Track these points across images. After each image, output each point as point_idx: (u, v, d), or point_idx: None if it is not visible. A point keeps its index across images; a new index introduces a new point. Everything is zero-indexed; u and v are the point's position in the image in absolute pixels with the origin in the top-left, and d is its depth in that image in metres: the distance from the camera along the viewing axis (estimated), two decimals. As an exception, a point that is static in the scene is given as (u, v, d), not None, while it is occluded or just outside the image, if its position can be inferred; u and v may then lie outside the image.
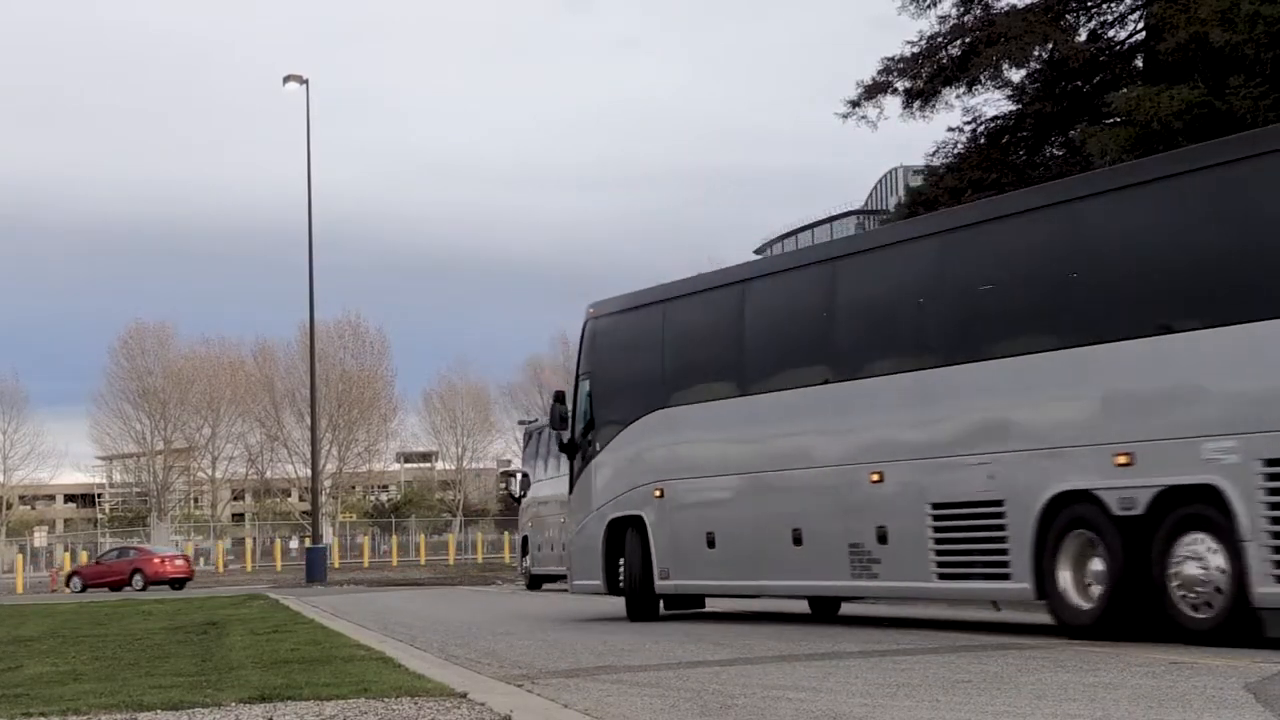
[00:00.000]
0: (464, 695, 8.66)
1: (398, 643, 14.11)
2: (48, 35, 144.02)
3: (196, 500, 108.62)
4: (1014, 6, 28.85)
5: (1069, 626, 12.81)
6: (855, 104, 29.43)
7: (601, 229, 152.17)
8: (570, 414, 19.02)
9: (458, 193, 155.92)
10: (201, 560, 71.37)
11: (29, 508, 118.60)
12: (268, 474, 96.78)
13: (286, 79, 47.39)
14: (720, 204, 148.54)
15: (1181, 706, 7.99)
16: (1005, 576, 13.31)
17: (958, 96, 29.58)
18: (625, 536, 18.03)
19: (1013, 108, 29.97)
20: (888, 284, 15.18)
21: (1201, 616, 11.77)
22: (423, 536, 75.23)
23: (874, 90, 29.32)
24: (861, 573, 14.87)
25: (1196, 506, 11.78)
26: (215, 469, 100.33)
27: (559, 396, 19.35)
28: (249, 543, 71.99)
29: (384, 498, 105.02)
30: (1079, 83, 29.22)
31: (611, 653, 12.52)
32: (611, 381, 18.70)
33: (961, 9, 29.50)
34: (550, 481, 34.20)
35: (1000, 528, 13.35)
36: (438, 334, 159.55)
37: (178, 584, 47.65)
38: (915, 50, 29.09)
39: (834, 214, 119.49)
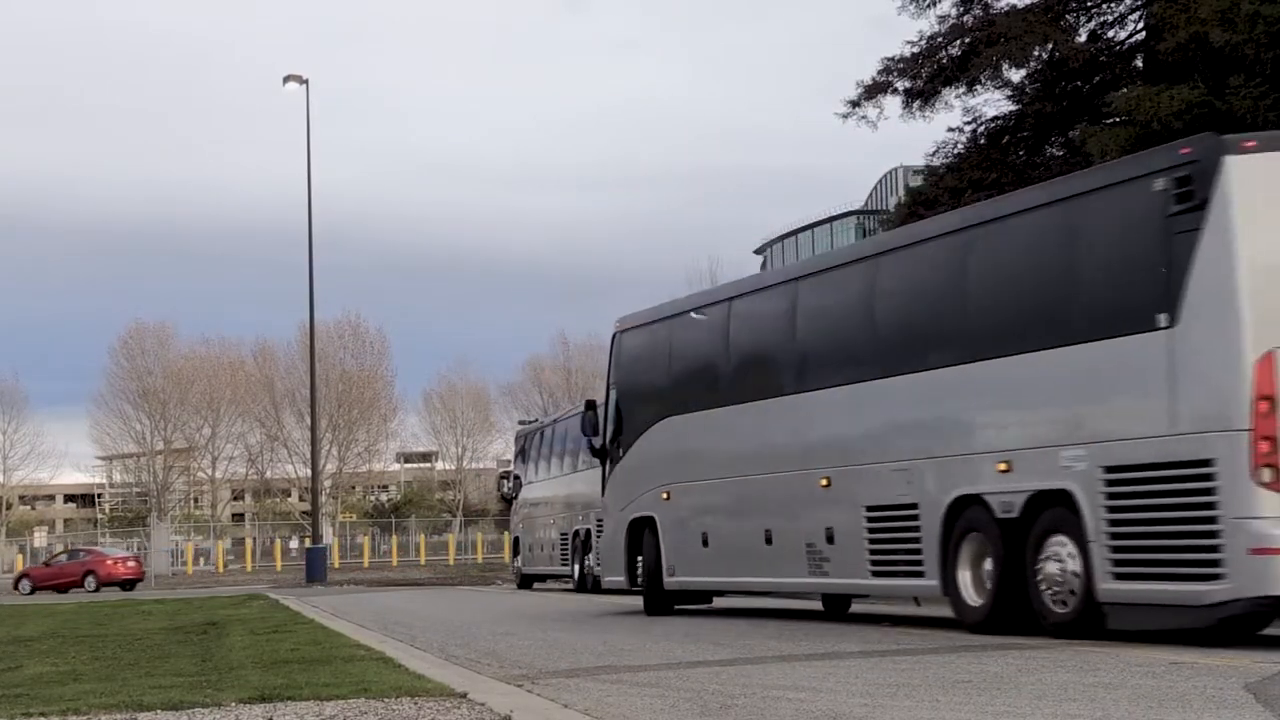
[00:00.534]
0: (464, 695, 8.66)
1: (398, 643, 14.11)
2: (48, 35, 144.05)
3: (196, 500, 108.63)
4: (1014, 6, 28.84)
5: (965, 622, 13.86)
6: (855, 104, 29.42)
7: (601, 229, 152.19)
8: (601, 421, 20.38)
9: (458, 193, 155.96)
10: (201, 560, 71.38)
11: (29, 508, 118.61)
12: (268, 474, 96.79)
13: (286, 79, 47.41)
14: (720, 204, 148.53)
15: (1181, 706, 7.99)
16: (920, 574, 14.40)
17: (957, 97, 29.58)
18: (643, 536, 19.34)
19: (1013, 108, 29.96)
20: (830, 303, 16.41)
21: (1061, 611, 12.74)
22: (423, 536, 75.24)
23: (874, 90, 29.31)
24: (815, 570, 16.07)
25: (1058, 510, 12.74)
26: (215, 469, 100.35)
27: (590, 404, 20.92)
28: (249, 543, 72.01)
29: (384, 498, 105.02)
30: (1079, 83, 29.21)
31: (611, 653, 12.53)
32: (632, 391, 20.02)
33: (961, 9, 29.49)
34: (540, 484, 34.87)
35: (915, 529, 14.46)
36: (438, 334, 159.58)
37: (128, 585, 48.60)
38: (915, 50, 29.09)
39: (834, 214, 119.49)
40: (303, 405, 71.92)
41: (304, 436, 71.29)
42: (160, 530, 69.44)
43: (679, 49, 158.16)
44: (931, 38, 29.05)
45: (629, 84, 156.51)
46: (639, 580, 19.53)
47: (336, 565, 61.33)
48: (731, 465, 17.71)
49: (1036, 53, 28.18)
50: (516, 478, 37.00)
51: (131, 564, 50.89)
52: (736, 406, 17.60)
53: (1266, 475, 11.19)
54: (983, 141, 29.94)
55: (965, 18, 29.23)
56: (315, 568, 43.94)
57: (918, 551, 14.41)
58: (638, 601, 19.91)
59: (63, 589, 47.84)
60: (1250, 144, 11.89)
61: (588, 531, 30.38)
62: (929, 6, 29.51)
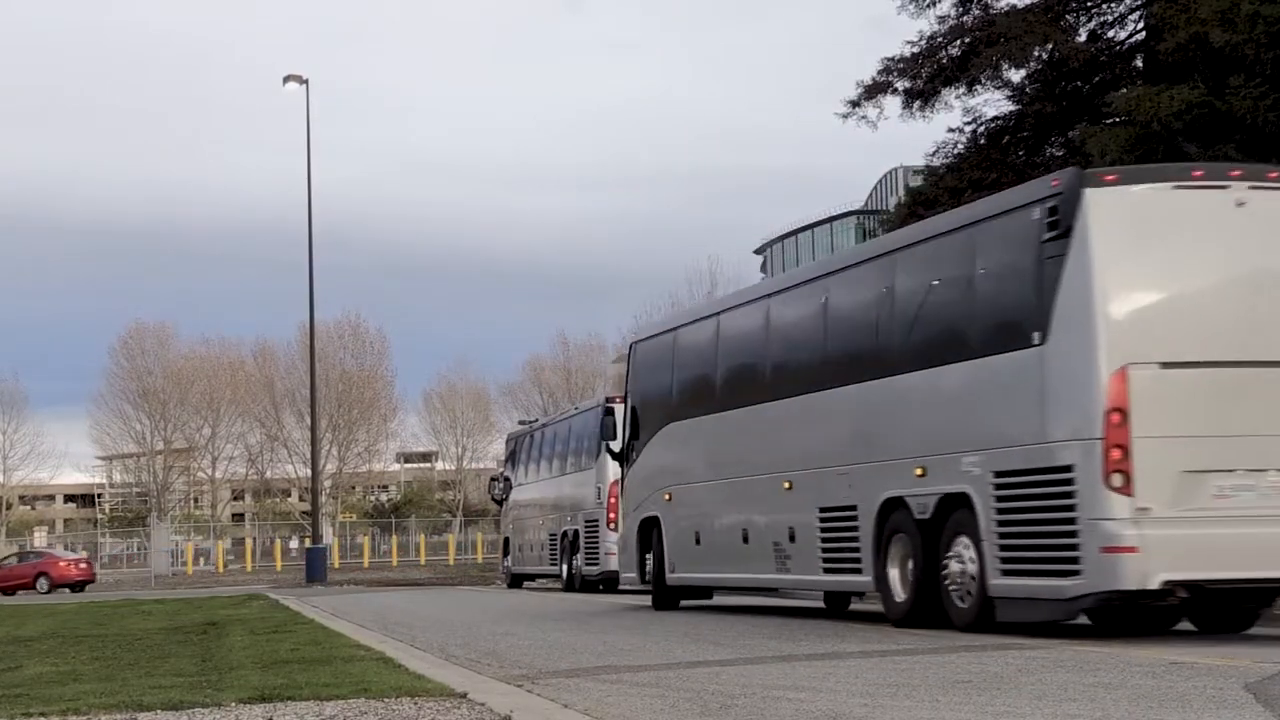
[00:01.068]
0: (464, 695, 8.66)
1: (398, 643, 14.11)
2: (48, 35, 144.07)
3: (196, 500, 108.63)
4: (1014, 6, 28.83)
5: (890, 617, 15.04)
6: (855, 104, 29.42)
7: (601, 229, 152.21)
8: (620, 427, 21.83)
9: (458, 193, 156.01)
10: (201, 560, 71.40)
11: (29, 508, 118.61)
12: (268, 474, 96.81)
13: (286, 79, 47.41)
14: (720, 204, 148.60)
15: (1181, 706, 7.99)
16: (860, 571, 15.53)
17: (957, 97, 29.58)
18: (651, 535, 20.58)
19: (1013, 108, 29.95)
20: (791, 318, 17.61)
21: (963, 607, 13.86)
22: (423, 536, 75.28)
23: (874, 90, 29.31)
24: (781, 567, 17.25)
25: (962, 512, 13.79)
26: (215, 469, 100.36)
27: (609, 411, 22.78)
28: (249, 543, 72.03)
29: (384, 498, 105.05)
30: (1079, 83, 29.20)
31: (612, 653, 12.53)
32: (644, 399, 21.31)
33: (961, 9, 29.49)
34: (529, 486, 35.59)
35: (855, 529, 15.56)
36: (438, 334, 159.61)
37: (79, 587, 49.27)
38: (915, 50, 29.08)
39: (834, 214, 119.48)
40: (303, 405, 71.93)
41: (304, 436, 71.31)
42: (160, 530, 69.45)
43: (679, 49, 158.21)
44: (931, 38, 29.05)
45: (629, 84, 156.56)
46: (648, 577, 20.73)
47: (336, 565, 61.33)
48: (719, 469, 18.89)
49: (1036, 53, 28.17)
50: (506, 480, 37.74)
51: (83, 566, 51.85)
52: (723, 414, 18.76)
53: (1117, 481, 12.14)
54: (983, 141, 29.93)
55: (965, 18, 29.23)
56: (315, 568, 43.94)
57: (857, 550, 15.51)
58: (637, 600, 21.05)
59: (10, 591, 48.36)
60: (1110, 177, 12.99)
61: (575, 532, 30.82)
62: (929, 6, 29.51)
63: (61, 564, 51.04)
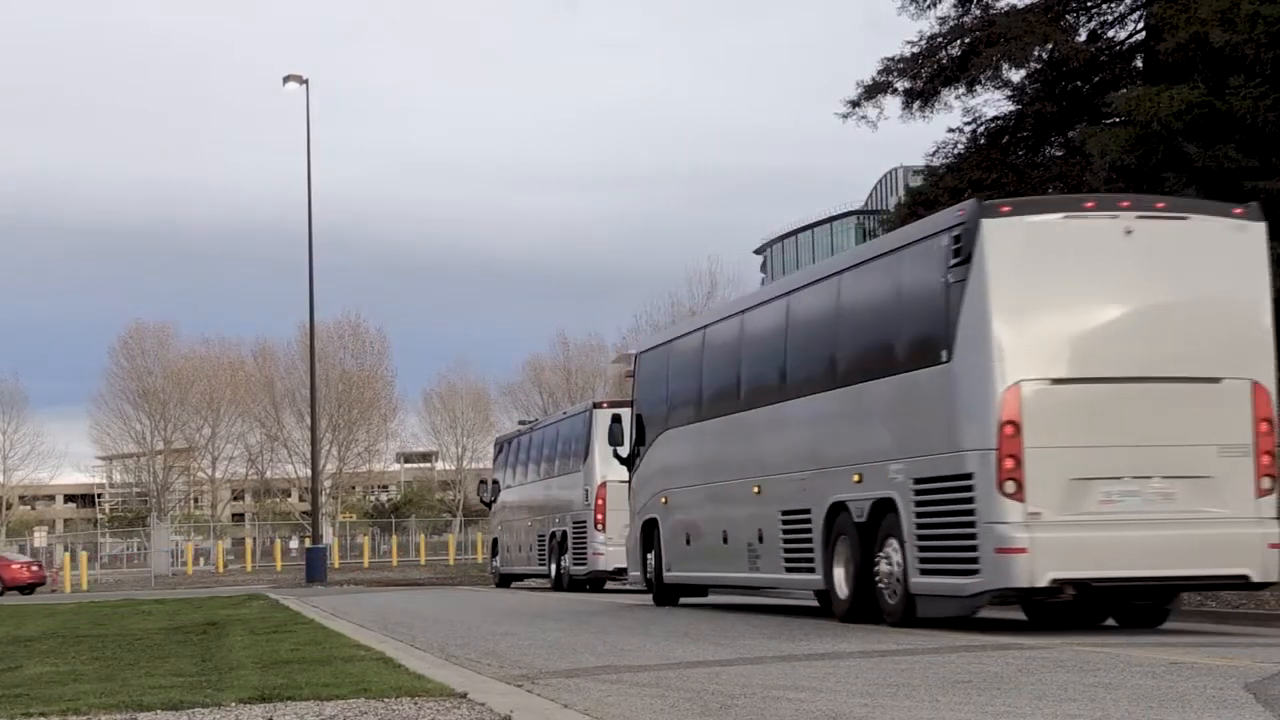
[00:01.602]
0: (464, 695, 8.65)
1: (398, 643, 14.11)
2: (48, 35, 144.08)
3: (196, 500, 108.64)
4: (1014, 6, 28.82)
5: (835, 614, 16.13)
6: (855, 104, 29.42)
7: (601, 229, 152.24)
8: (628, 434, 22.74)
9: (458, 193, 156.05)
10: (201, 560, 71.36)
11: (29, 508, 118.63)
12: (268, 474, 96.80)
13: (286, 79, 47.36)
14: (720, 204, 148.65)
15: (1181, 706, 7.99)
16: (813, 570, 16.60)
17: (957, 97, 29.57)
18: (652, 536, 21.65)
19: (1012, 108, 29.94)
20: (760, 333, 18.62)
21: (892, 603, 14.91)
22: (423, 536, 75.21)
23: (874, 90, 29.31)
24: (752, 566, 18.35)
25: (890, 516, 14.83)
26: (215, 469, 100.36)
27: (616, 419, 23.34)
28: (249, 543, 71.98)
29: (384, 498, 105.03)
30: (1079, 83, 29.19)
31: (611, 653, 12.52)
32: (646, 408, 22.27)
33: (961, 9, 29.48)
34: (518, 488, 36.33)
35: (809, 531, 16.63)
36: (438, 334, 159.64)
37: (28, 589, 49.68)
38: (915, 50, 29.08)
39: (834, 214, 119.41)
40: (303, 405, 71.93)
41: (304, 436, 71.30)
42: (160, 530, 69.41)
43: (679, 49, 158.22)
44: (931, 38, 29.04)
45: (629, 84, 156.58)
46: (649, 575, 21.92)
47: (336, 565, 61.32)
48: (705, 474, 20.00)
49: (1036, 53, 28.17)
50: (495, 482, 38.39)
51: (35, 568, 52.48)
52: (707, 422, 19.89)
53: (1010, 487, 13.24)
54: (983, 142, 29.92)
55: (965, 18, 29.22)
56: (315, 568, 43.90)
57: (811, 550, 16.63)
58: (630, 599, 22.18)
59: None
60: (1006, 208, 13.97)
61: (564, 533, 31.29)
62: (929, 7, 29.51)
63: (14, 566, 51.43)
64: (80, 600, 34.99)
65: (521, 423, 43.14)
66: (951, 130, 30.18)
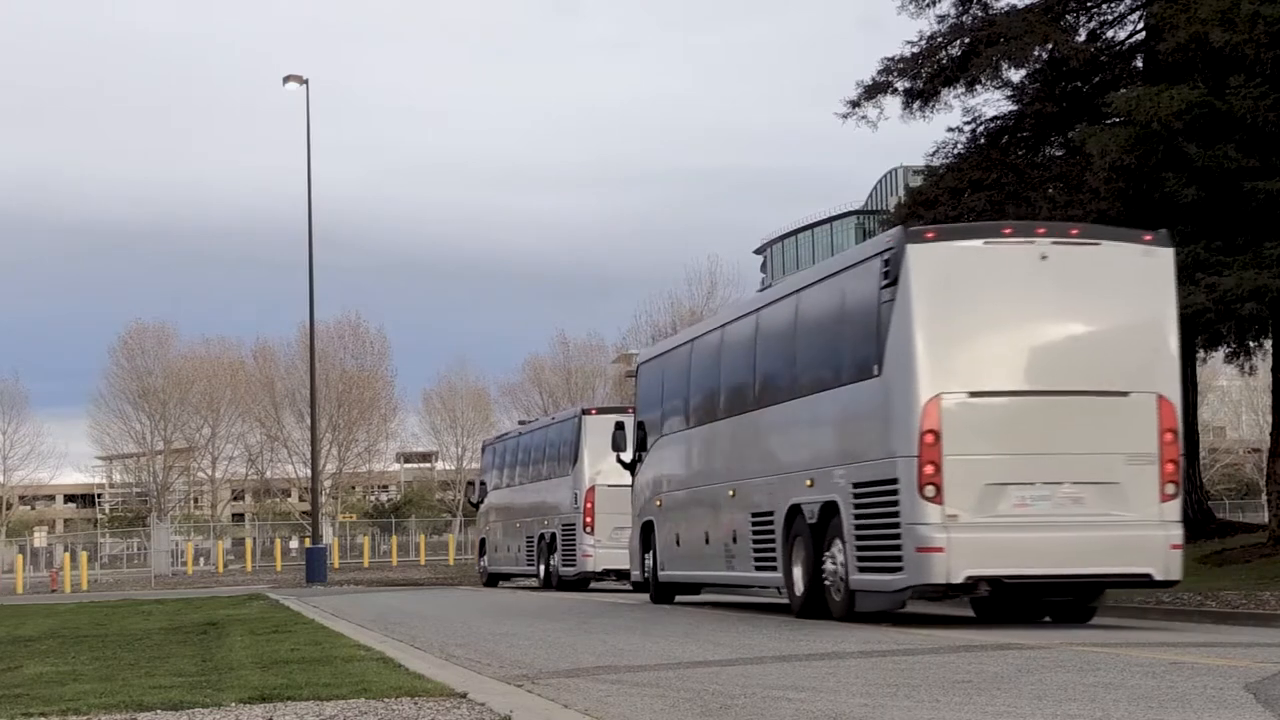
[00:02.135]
0: (464, 695, 8.65)
1: (398, 643, 14.10)
2: (48, 35, 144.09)
3: (196, 500, 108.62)
4: (1014, 6, 28.83)
5: (793, 609, 17.18)
6: (855, 104, 29.43)
7: (601, 229, 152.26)
8: (630, 441, 23.72)
9: (458, 193, 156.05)
10: (201, 560, 71.36)
11: (29, 508, 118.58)
12: (268, 474, 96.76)
13: (286, 79, 47.30)
14: (720, 204, 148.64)
15: (1181, 706, 7.99)
16: (775, 569, 17.70)
17: (956, 97, 29.59)
18: (650, 537, 22.63)
19: (1012, 108, 29.95)
20: (733, 345, 19.67)
21: (837, 599, 16.01)
22: (423, 536, 75.16)
23: (874, 90, 29.32)
24: (728, 566, 19.41)
25: (836, 518, 15.91)
26: (215, 469, 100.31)
27: (619, 425, 24.53)
28: (249, 543, 71.91)
29: (384, 498, 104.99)
30: (1079, 83, 29.20)
31: (611, 653, 12.52)
32: (645, 415, 23.25)
33: (960, 9, 29.49)
34: (507, 490, 37.07)
35: (772, 532, 17.73)
36: (438, 334, 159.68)
37: None
38: (915, 50, 29.09)
39: (834, 214, 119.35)
40: (303, 405, 71.89)
41: (304, 436, 71.27)
42: (160, 530, 69.41)
43: (679, 49, 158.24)
44: (931, 38, 29.04)
45: (629, 84, 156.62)
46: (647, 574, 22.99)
47: (336, 565, 61.29)
48: (691, 479, 21.07)
49: (1036, 53, 28.17)
50: (483, 484, 39.15)
51: None
52: (694, 429, 21.00)
53: (930, 492, 14.31)
54: (983, 141, 29.93)
55: (965, 18, 29.24)
56: (315, 568, 43.84)
57: (774, 549, 17.71)
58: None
59: None
60: (930, 235, 15.02)
61: (553, 535, 31.95)
62: (928, 6, 29.52)
63: None
64: (80, 600, 34.98)
65: (521, 422, 43.27)
66: (951, 130, 30.21)
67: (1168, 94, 22.61)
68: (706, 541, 20.06)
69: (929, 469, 14.32)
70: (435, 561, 66.09)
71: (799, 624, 16.05)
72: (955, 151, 29.90)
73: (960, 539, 14.27)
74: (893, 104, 29.55)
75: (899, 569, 14.63)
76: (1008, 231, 15.23)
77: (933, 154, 30.44)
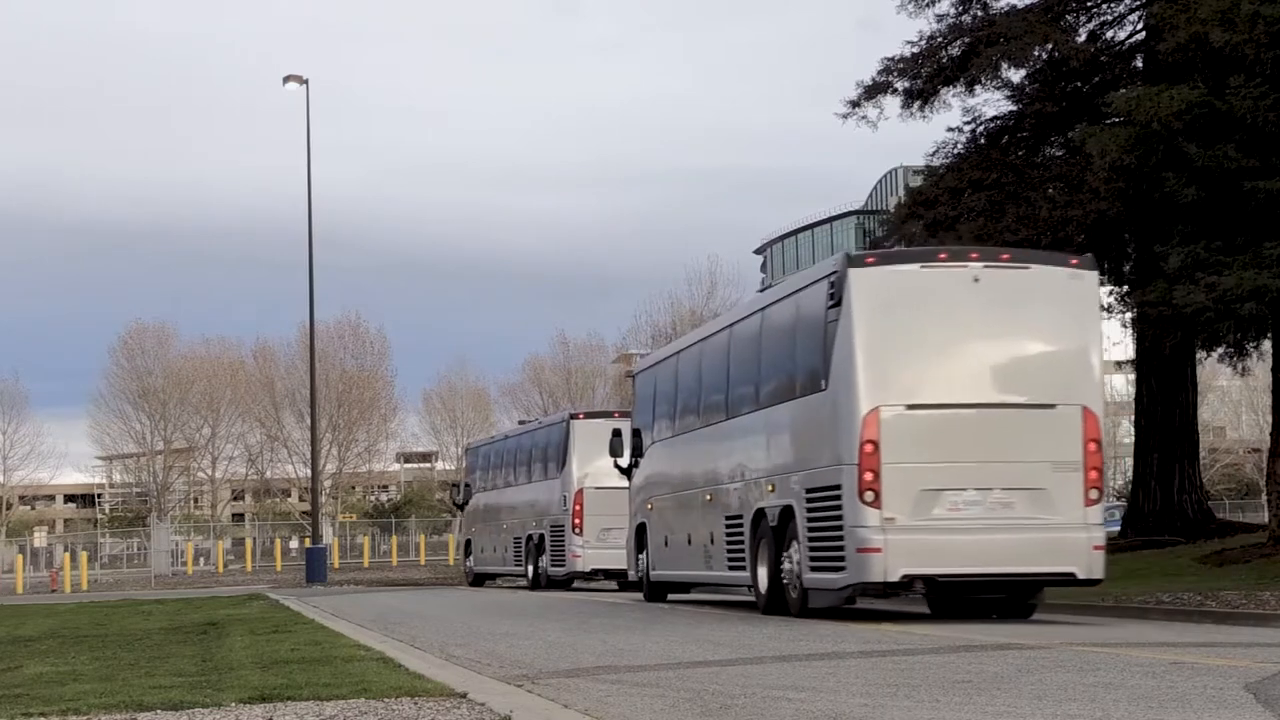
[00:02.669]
0: (464, 695, 8.65)
1: (398, 643, 14.10)
2: (48, 35, 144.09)
3: (196, 500, 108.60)
4: (1014, 6, 28.83)
5: (759, 607, 18.20)
6: (855, 104, 29.44)
7: (601, 229, 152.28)
8: (626, 447, 24.56)
9: (458, 193, 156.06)
10: (201, 560, 71.35)
11: (29, 508, 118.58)
12: (268, 474, 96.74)
13: (286, 79, 47.29)
14: (720, 204, 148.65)
15: (1181, 706, 7.99)
16: (744, 568, 18.76)
17: (956, 97, 29.60)
18: (643, 538, 23.60)
19: (1012, 108, 29.95)
20: (711, 358, 20.79)
21: (794, 597, 17.07)
22: (423, 536, 75.15)
23: (874, 90, 29.32)
24: (707, 565, 20.45)
25: (793, 522, 16.99)
26: (215, 469, 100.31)
27: (616, 432, 25.09)
28: (249, 543, 71.90)
29: (384, 498, 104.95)
30: (1079, 83, 29.20)
31: (611, 653, 12.52)
32: (640, 422, 24.21)
33: (960, 9, 29.49)
34: (492, 493, 37.87)
35: (742, 533, 18.79)
36: (438, 334, 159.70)
37: None
38: (915, 50, 29.09)
39: (834, 214, 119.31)
40: (303, 405, 71.89)
41: (304, 436, 71.27)
42: (160, 530, 69.39)
43: (679, 49, 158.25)
44: (931, 38, 29.05)
45: (629, 84, 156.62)
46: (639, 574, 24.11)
47: (336, 565, 61.29)
48: (677, 483, 22.01)
49: (1036, 53, 28.17)
50: (467, 486, 40.03)
51: None
52: (679, 437, 21.98)
53: (869, 497, 15.43)
54: (982, 141, 29.93)
55: (964, 18, 29.24)
56: (315, 568, 43.84)
57: (742, 550, 18.78)
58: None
59: None
60: (870, 259, 16.29)
61: (541, 536, 32.63)
62: (928, 6, 29.53)
63: None
64: (80, 600, 34.98)
65: (521, 422, 43.43)
66: (951, 130, 30.22)
67: (1168, 94, 22.60)
68: (689, 543, 21.09)
69: (868, 476, 15.43)
70: (435, 561, 66.07)
71: (799, 623, 16.05)
72: (955, 151, 29.90)
73: (897, 540, 15.37)
74: (892, 104, 29.59)
75: (843, 568, 15.74)
76: (943, 256, 16.36)
77: (933, 154, 30.45)
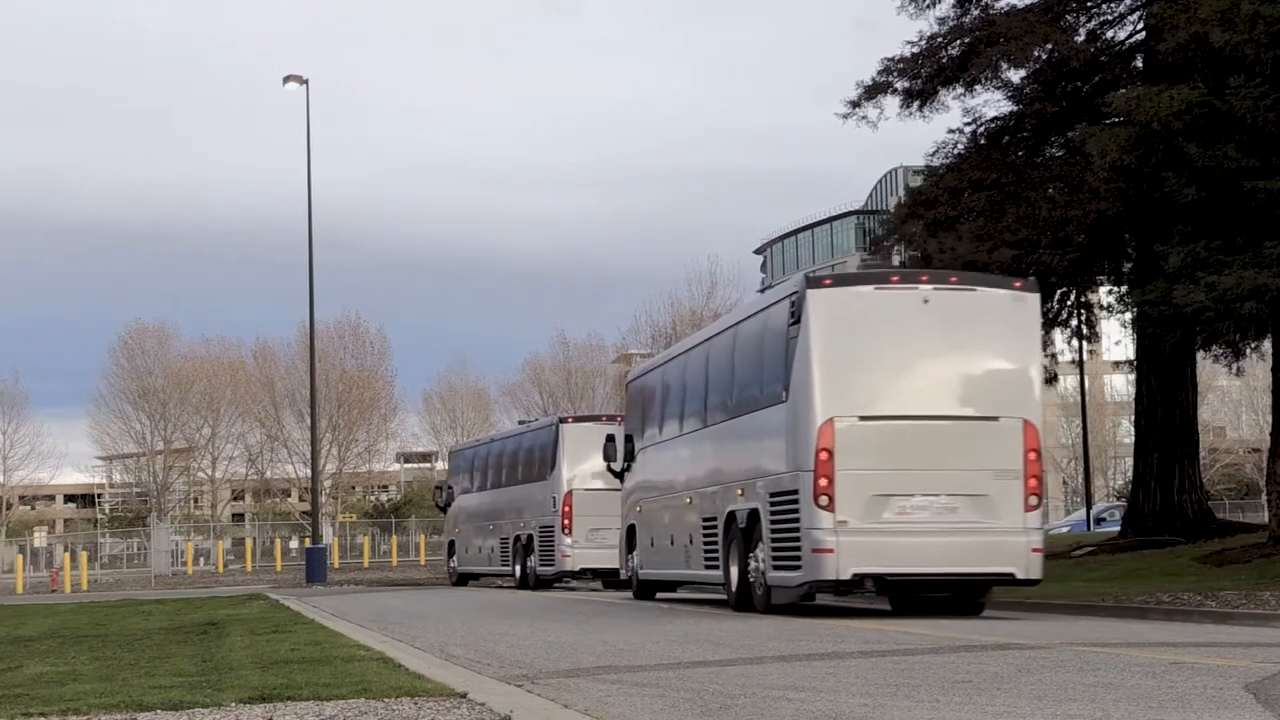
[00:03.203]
0: (464, 695, 8.65)
1: (398, 643, 14.10)
2: (48, 35, 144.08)
3: (196, 500, 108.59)
4: (1014, 6, 28.83)
5: (730, 603, 19.27)
6: (855, 104, 29.43)
7: (601, 229, 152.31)
8: (620, 451, 25.46)
9: (458, 193, 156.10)
10: (201, 560, 71.34)
11: (29, 508, 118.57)
12: (268, 474, 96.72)
13: (286, 79, 47.27)
14: (720, 204, 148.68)
15: (1181, 706, 7.99)
16: (718, 567, 19.82)
17: (955, 98, 29.59)
18: (633, 539, 24.71)
19: (1012, 108, 29.94)
20: (692, 369, 21.86)
21: (760, 594, 18.22)
22: (423, 536, 75.11)
23: (874, 90, 29.31)
24: (687, 565, 21.53)
25: (759, 524, 18.12)
26: (215, 469, 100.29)
27: (610, 438, 26.00)
28: (249, 543, 71.88)
29: (384, 498, 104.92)
30: (1079, 83, 29.19)
31: (611, 653, 12.52)
32: (631, 428, 25.24)
33: (960, 9, 29.49)
34: (478, 495, 38.59)
35: (716, 535, 19.91)
36: (438, 334, 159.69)
37: None
38: (915, 50, 29.08)
39: (834, 214, 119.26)
40: (303, 405, 71.88)
41: (304, 436, 71.26)
42: (160, 530, 69.38)
43: (679, 49, 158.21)
44: (931, 38, 29.04)
45: (629, 84, 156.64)
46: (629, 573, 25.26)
47: (336, 565, 61.28)
48: (662, 487, 23.13)
49: (1036, 53, 28.16)
50: (449, 488, 40.81)
51: None
52: (664, 443, 23.04)
53: (824, 501, 16.61)
54: (983, 141, 29.94)
55: (965, 18, 29.24)
56: (315, 568, 43.83)
57: (717, 551, 19.87)
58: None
59: None
60: (828, 281, 17.54)
61: (529, 536, 33.39)
62: (928, 6, 29.53)
63: None
64: (80, 600, 34.97)
65: (521, 422, 43.57)
66: (952, 130, 30.22)
67: (1168, 94, 22.60)
68: (672, 543, 22.27)
69: (823, 481, 16.63)
70: (435, 561, 65.99)
71: (798, 624, 16.06)
72: (955, 151, 29.90)
73: (848, 541, 16.56)
74: (892, 104, 29.58)
75: (799, 567, 17.00)
76: (895, 278, 17.60)
77: (933, 154, 30.45)
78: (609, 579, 30.33)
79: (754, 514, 18.30)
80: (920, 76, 29.08)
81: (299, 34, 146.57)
